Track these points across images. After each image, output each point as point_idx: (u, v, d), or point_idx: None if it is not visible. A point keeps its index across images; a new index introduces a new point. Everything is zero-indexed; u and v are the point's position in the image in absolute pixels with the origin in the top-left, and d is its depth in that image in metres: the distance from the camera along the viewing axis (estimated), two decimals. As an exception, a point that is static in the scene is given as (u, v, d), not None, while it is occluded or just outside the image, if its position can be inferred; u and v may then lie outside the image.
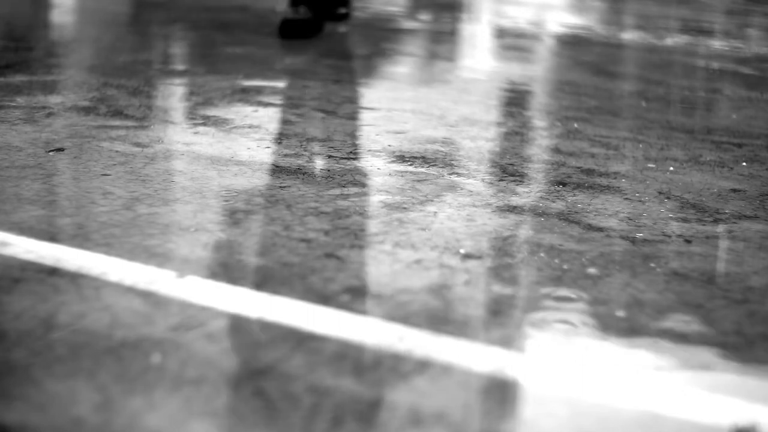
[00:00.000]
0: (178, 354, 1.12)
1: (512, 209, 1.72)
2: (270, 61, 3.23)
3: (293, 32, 3.77)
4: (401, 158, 2.03)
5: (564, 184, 1.90)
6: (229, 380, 1.07)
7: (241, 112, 2.38)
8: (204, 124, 2.24)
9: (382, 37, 3.51)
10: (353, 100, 2.62)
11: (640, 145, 2.28)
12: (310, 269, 1.40)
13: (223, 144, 2.07)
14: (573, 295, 1.36)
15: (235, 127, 2.22)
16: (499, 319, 1.27)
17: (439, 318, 1.26)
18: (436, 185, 1.85)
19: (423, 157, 2.04)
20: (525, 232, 1.62)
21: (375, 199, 1.75)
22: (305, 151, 2.06)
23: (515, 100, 2.90)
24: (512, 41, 4.26)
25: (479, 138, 2.26)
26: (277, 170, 1.90)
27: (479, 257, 1.49)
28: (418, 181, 1.87)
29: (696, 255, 1.55)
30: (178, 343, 1.15)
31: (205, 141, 2.09)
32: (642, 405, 1.07)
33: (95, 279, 1.32)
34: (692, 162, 2.14)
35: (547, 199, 1.80)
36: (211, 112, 2.38)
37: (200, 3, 4.84)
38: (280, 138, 2.15)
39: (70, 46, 3.70)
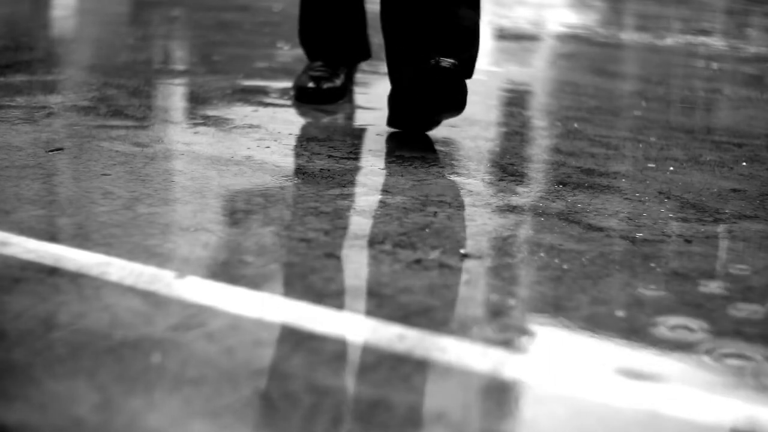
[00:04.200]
0: (178, 354, 1.12)
1: (512, 209, 1.72)
2: (270, 61, 3.23)
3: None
4: (401, 158, 2.03)
5: (564, 184, 1.90)
6: (229, 380, 1.07)
7: (241, 112, 2.38)
8: (204, 124, 2.24)
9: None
10: (353, 100, 2.62)
11: (640, 145, 2.28)
12: (310, 269, 1.40)
13: (223, 144, 2.07)
14: (572, 295, 1.36)
15: (235, 127, 2.22)
16: (499, 319, 1.27)
17: (439, 318, 1.26)
18: (436, 185, 1.85)
19: (423, 157, 2.04)
20: (525, 231, 1.62)
21: (375, 199, 1.75)
22: (305, 151, 2.06)
23: (515, 100, 2.90)
24: (512, 41, 4.26)
25: (479, 138, 2.26)
26: (276, 170, 1.90)
27: (479, 257, 1.49)
28: (418, 181, 1.87)
29: (696, 255, 1.55)
30: (178, 343, 1.15)
31: (205, 141, 2.09)
32: (642, 405, 1.07)
33: (95, 279, 1.32)
34: (692, 162, 2.14)
35: (547, 199, 1.80)
36: (211, 112, 2.38)
37: (200, 3, 4.83)
38: (280, 138, 2.15)
39: (70, 46, 3.70)
